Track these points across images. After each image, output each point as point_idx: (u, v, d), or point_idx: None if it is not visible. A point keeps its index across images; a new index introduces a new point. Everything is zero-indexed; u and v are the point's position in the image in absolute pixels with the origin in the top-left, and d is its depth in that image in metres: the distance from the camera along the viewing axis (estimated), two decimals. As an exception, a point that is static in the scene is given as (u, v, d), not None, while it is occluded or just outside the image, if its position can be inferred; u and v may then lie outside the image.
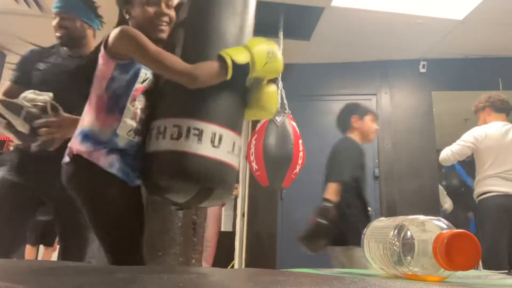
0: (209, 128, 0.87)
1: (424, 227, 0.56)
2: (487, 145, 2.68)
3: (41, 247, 5.44)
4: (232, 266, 3.91)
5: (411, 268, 0.55)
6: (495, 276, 0.70)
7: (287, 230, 3.47)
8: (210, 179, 0.91)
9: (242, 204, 3.59)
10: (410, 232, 0.56)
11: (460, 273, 0.57)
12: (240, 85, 0.97)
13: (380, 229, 0.64)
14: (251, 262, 3.39)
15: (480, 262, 2.38)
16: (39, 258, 5.30)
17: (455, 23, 3.05)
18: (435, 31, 3.18)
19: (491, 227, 2.52)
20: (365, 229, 0.69)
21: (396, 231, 0.58)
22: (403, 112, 3.65)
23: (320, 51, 3.59)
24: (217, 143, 0.88)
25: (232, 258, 3.66)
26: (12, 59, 3.79)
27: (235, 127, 0.97)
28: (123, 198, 1.07)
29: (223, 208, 4.88)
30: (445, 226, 0.55)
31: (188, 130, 0.86)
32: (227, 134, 0.90)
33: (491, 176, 2.62)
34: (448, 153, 2.82)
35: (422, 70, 3.63)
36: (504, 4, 2.80)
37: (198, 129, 0.85)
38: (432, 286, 0.49)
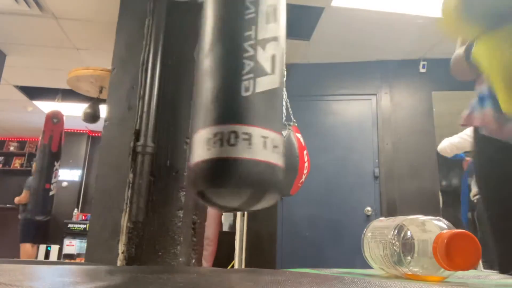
0: (257, 132, 0.89)
1: (424, 227, 0.56)
2: None
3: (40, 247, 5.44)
4: (232, 266, 3.91)
5: (411, 268, 0.55)
6: (495, 276, 0.70)
7: (287, 230, 3.47)
8: (260, 182, 0.93)
9: (242, 204, 3.59)
10: (410, 232, 0.56)
11: (460, 273, 0.57)
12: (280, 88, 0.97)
13: (380, 229, 0.64)
14: (251, 262, 3.39)
15: (481, 262, 2.38)
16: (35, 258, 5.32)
17: (455, 23, 3.05)
18: (435, 31, 3.18)
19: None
20: (365, 229, 0.69)
21: (396, 231, 0.58)
22: (403, 112, 3.65)
23: (320, 51, 3.59)
24: (265, 146, 0.90)
25: (232, 258, 3.66)
26: (12, 59, 3.79)
27: (278, 128, 0.99)
28: None
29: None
30: (445, 226, 0.55)
31: (230, 136, 0.88)
32: (273, 136, 0.92)
33: None
34: (446, 144, 2.83)
35: (422, 70, 3.64)
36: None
37: (247, 133, 0.86)
38: (432, 286, 0.49)
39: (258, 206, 0.91)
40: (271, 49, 0.96)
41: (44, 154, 4.01)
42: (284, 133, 2.52)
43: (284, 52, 0.92)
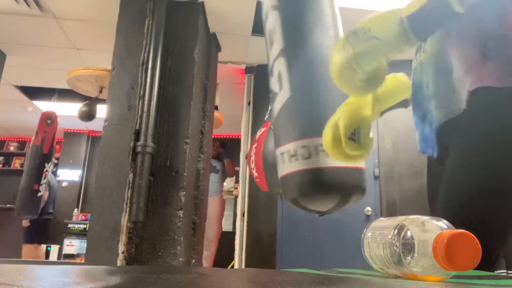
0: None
1: (424, 227, 0.56)
2: None
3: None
4: (232, 266, 3.91)
5: (411, 268, 0.55)
6: (495, 276, 0.70)
7: (287, 230, 3.47)
8: (347, 186, 1.01)
9: (242, 204, 3.59)
10: (410, 232, 0.56)
11: (460, 273, 0.57)
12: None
13: (380, 229, 0.64)
14: (251, 262, 3.39)
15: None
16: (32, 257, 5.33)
17: (455, 23, 3.05)
18: (435, 31, 3.18)
19: None
20: (365, 229, 0.69)
21: (396, 231, 0.58)
22: (403, 112, 3.65)
23: (320, 51, 3.59)
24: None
25: (232, 258, 3.66)
26: (12, 59, 3.79)
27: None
28: None
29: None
30: (445, 226, 0.55)
31: (316, 148, 0.96)
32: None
33: None
34: None
35: (422, 70, 3.64)
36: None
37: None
38: (432, 286, 0.49)
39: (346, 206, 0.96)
40: (277, 68, 1.05)
41: (35, 155, 4.00)
42: None
43: (287, 55, 0.95)
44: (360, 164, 1.05)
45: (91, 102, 3.64)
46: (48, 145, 4.04)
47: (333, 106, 0.87)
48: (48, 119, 4.12)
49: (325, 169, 0.97)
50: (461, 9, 0.72)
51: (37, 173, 3.94)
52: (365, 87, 0.79)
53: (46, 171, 4.03)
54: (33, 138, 4.13)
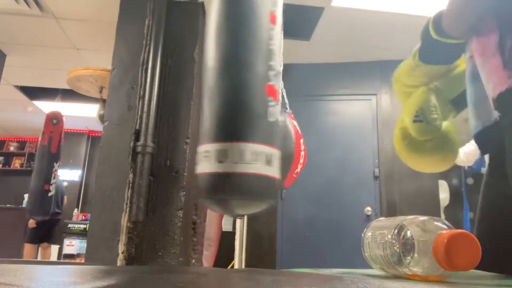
0: (248, 147, 0.94)
1: (424, 227, 0.56)
2: None
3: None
4: (232, 266, 3.91)
5: (411, 268, 0.55)
6: (495, 276, 0.70)
7: (287, 230, 3.47)
8: (247, 192, 0.96)
9: (242, 204, 3.59)
10: (410, 232, 0.56)
11: (460, 273, 0.57)
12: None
13: (380, 229, 0.64)
14: (251, 262, 3.39)
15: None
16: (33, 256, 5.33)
17: (455, 23, 3.05)
18: (435, 31, 3.18)
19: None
20: (365, 229, 0.69)
21: (396, 231, 0.58)
22: (403, 112, 3.65)
23: (320, 51, 3.59)
24: (252, 159, 0.94)
25: (232, 258, 3.66)
26: (12, 59, 3.79)
27: (272, 142, 1.03)
28: None
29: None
30: (445, 226, 0.55)
31: (232, 152, 0.92)
32: (263, 149, 0.95)
33: None
34: (460, 155, 2.81)
35: (422, 70, 3.64)
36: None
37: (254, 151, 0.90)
38: (432, 286, 0.49)
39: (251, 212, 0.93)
40: (279, 80, 1.01)
41: (43, 156, 4.01)
42: (280, 118, 2.43)
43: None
44: (267, 172, 0.99)
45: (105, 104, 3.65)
46: (55, 145, 4.06)
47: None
48: (54, 119, 4.13)
49: (229, 174, 0.92)
50: (437, 37, 0.77)
51: (47, 173, 3.96)
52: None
53: (55, 170, 4.04)
54: (39, 138, 4.14)
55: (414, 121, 0.82)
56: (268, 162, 0.85)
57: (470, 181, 3.47)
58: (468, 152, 2.78)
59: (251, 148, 0.85)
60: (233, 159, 0.83)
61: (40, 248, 5.22)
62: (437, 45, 0.90)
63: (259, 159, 0.87)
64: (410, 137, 0.83)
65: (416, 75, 0.95)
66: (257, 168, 0.86)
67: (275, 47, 0.88)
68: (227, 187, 0.83)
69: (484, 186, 0.92)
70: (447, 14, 0.91)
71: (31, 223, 4.93)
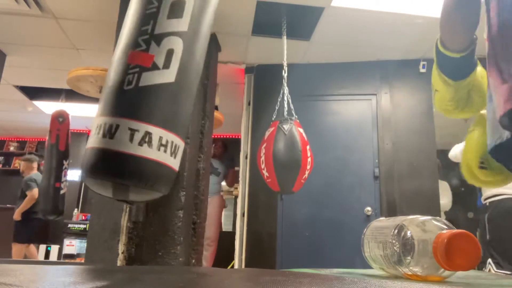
0: (138, 126, 0.84)
1: (424, 227, 0.56)
2: None
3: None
4: (232, 266, 3.91)
5: (411, 268, 0.55)
6: (495, 276, 0.70)
7: (287, 230, 3.47)
8: (129, 176, 0.85)
9: (242, 204, 3.59)
10: (410, 232, 0.56)
11: (460, 273, 0.57)
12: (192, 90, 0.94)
13: (380, 229, 0.64)
14: (251, 262, 3.39)
15: (493, 264, 2.37)
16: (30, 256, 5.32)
17: (455, 23, 3.05)
18: (435, 31, 3.18)
19: (504, 229, 2.50)
20: (365, 229, 0.69)
21: (396, 231, 0.58)
22: (403, 112, 3.65)
23: (320, 51, 3.59)
24: (148, 142, 0.83)
25: (232, 258, 3.66)
26: (12, 59, 3.79)
27: (167, 125, 0.90)
28: None
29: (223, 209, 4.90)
30: (445, 226, 0.55)
31: (114, 128, 0.82)
32: (160, 133, 0.84)
33: None
34: (457, 151, 2.82)
35: (422, 70, 3.64)
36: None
37: (122, 126, 0.81)
38: (432, 286, 0.49)
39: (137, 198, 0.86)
40: (168, 44, 0.89)
41: (52, 154, 4.02)
42: (286, 126, 2.48)
43: (193, 45, 0.88)
44: (163, 160, 0.90)
45: None
46: (63, 143, 4.06)
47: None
48: (60, 117, 4.14)
49: (114, 152, 0.84)
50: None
51: (57, 171, 3.96)
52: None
53: (65, 168, 4.05)
54: (47, 137, 4.15)
55: (480, 167, 0.82)
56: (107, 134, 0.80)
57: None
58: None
59: (109, 121, 0.82)
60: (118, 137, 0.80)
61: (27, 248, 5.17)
62: (448, 59, 0.90)
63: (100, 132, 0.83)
64: (477, 177, 0.84)
65: (449, 91, 0.95)
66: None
67: (155, 10, 0.82)
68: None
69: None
70: (440, 26, 0.90)
71: (16, 217, 4.90)
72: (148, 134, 0.83)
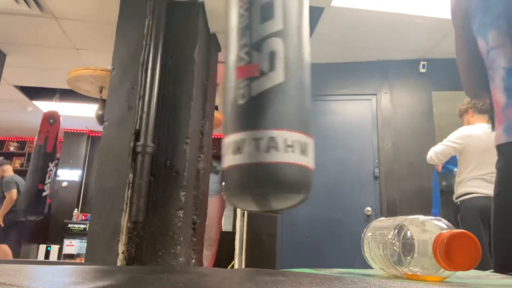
0: (262, 134, 0.87)
1: (424, 227, 0.56)
2: (473, 146, 2.68)
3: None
4: (232, 266, 3.91)
5: (411, 268, 0.55)
6: (495, 276, 0.70)
7: (287, 230, 3.47)
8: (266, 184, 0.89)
9: (242, 204, 3.59)
10: (410, 232, 0.56)
11: (460, 273, 0.57)
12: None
13: (380, 229, 0.64)
14: (251, 262, 3.39)
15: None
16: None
17: (455, 23, 3.05)
18: (435, 31, 3.19)
19: (476, 227, 2.51)
20: (365, 229, 0.69)
21: (396, 231, 0.58)
22: (403, 112, 3.66)
23: (320, 51, 3.59)
24: (269, 148, 0.87)
25: (232, 258, 3.66)
26: (12, 59, 3.79)
27: (292, 126, 0.94)
28: None
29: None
30: (445, 226, 0.55)
31: (244, 142, 0.86)
32: (286, 135, 0.88)
33: (476, 178, 2.61)
34: (431, 154, 2.85)
35: (422, 70, 3.64)
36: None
37: (251, 138, 0.85)
38: (432, 286, 0.49)
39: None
40: (268, 47, 0.91)
41: (39, 155, 4.00)
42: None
43: (294, 41, 0.90)
44: (296, 160, 0.93)
45: (104, 104, 3.64)
46: (51, 145, 4.05)
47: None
48: (51, 119, 4.12)
49: (255, 164, 0.86)
50: None
51: (41, 173, 3.95)
52: None
53: (50, 170, 4.03)
54: (36, 138, 4.13)
55: None
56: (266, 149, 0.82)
57: (443, 181, 3.49)
58: (439, 152, 2.80)
59: (241, 136, 0.84)
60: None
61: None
62: None
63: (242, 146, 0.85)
64: None
65: None
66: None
67: (247, 21, 0.84)
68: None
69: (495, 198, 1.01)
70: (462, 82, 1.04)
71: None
72: (271, 139, 0.86)
